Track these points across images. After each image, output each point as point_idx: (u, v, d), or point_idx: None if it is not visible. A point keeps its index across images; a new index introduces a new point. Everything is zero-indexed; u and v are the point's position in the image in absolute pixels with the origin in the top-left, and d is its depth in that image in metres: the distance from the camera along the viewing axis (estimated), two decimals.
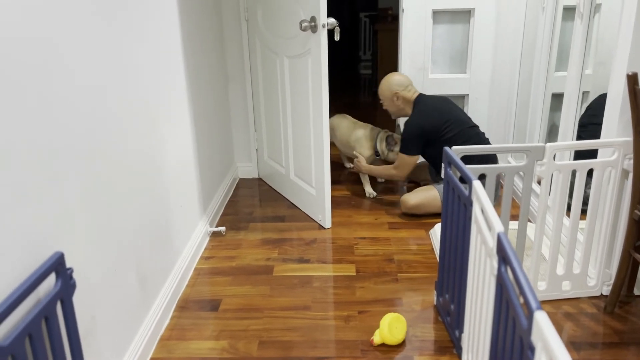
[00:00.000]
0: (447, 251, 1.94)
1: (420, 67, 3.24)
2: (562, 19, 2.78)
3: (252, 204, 3.16)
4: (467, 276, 1.65)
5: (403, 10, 3.13)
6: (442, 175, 1.92)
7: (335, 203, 3.13)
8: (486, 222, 1.44)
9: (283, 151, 3.13)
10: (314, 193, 2.87)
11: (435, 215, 2.91)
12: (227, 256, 2.56)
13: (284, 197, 3.23)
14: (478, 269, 1.52)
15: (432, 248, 2.58)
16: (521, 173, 2.97)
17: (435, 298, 2.13)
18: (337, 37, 2.55)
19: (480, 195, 1.50)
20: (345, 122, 3.39)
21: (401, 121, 3.39)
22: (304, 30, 2.52)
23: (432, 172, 3.19)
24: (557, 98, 2.82)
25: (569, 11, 2.71)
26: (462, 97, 3.34)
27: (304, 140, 2.85)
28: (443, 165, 1.92)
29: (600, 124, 2.03)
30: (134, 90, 1.83)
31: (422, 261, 2.47)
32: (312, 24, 2.49)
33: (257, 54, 3.18)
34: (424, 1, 3.11)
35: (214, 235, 2.77)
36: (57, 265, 1.24)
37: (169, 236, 2.19)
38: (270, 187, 3.40)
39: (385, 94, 2.97)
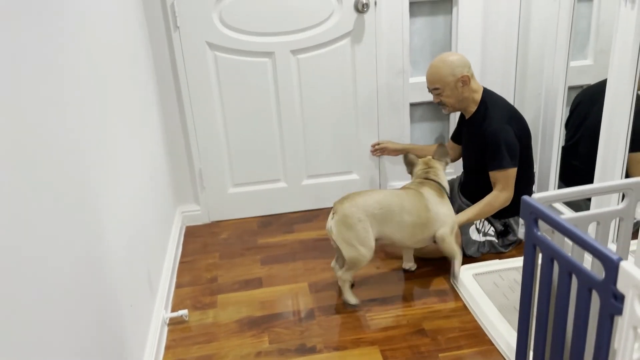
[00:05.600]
0: (538, 340, 1.38)
1: (399, 70, 2.67)
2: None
3: (213, 264, 2.45)
4: None
5: (376, 2, 2.53)
6: (522, 236, 1.37)
7: (310, 249, 2.50)
8: None
9: (287, 163, 2.80)
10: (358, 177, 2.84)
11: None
12: (200, 356, 1.85)
13: (254, 249, 2.54)
14: None
15: (465, 304, 2.03)
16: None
17: None
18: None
19: None
20: (414, 198, 2.07)
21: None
22: (360, 11, 2.52)
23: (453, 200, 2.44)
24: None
25: None
26: None
27: (340, 130, 2.77)
28: (522, 220, 1.36)
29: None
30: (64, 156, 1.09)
31: (461, 327, 1.91)
32: (364, 2, 2.49)
33: (209, 68, 2.55)
34: None
35: (173, 322, 2.04)
36: None
37: (122, 356, 1.46)
38: (235, 229, 2.70)
39: (446, 80, 2.20)
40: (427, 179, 2.16)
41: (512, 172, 2.18)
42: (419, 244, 2.13)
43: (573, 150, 2.40)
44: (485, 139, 2.20)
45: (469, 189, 2.41)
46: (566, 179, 2.43)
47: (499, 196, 2.20)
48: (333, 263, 2.16)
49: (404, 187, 2.18)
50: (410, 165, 2.28)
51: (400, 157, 2.40)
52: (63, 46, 1.28)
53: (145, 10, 2.40)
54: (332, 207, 2.03)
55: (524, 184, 2.28)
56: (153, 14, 2.42)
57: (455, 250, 2.11)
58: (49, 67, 1.17)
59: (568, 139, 2.46)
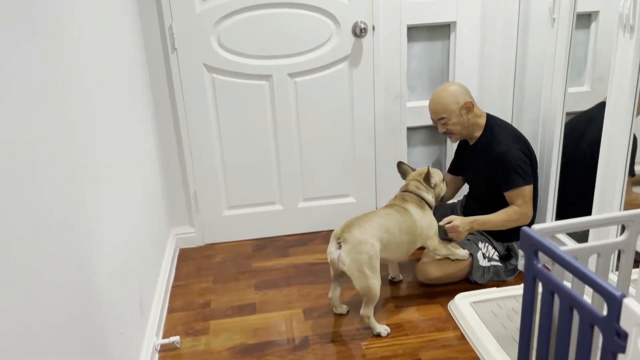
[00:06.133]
0: None
1: (396, 95, 2.67)
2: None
3: (206, 288, 2.40)
4: None
5: (374, 27, 2.54)
6: (522, 267, 1.35)
7: (305, 274, 2.46)
8: None
9: (283, 186, 2.77)
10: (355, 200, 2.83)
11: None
12: None
13: (248, 272, 2.50)
14: None
15: (462, 334, 1.99)
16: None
17: None
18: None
19: None
20: (406, 217, 2.12)
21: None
22: (358, 36, 2.53)
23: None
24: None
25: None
26: None
27: (337, 153, 2.76)
28: (522, 252, 1.34)
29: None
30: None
31: (458, 357, 1.87)
32: (362, 26, 2.51)
33: (207, 91, 2.55)
34: (398, 16, 2.54)
35: (165, 349, 2.00)
36: None
37: None
38: (230, 252, 2.66)
39: (450, 108, 2.22)
40: (407, 191, 2.23)
41: (528, 189, 2.19)
42: (407, 256, 2.21)
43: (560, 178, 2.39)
44: (494, 161, 2.21)
45: (472, 213, 2.35)
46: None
47: (515, 209, 2.19)
48: (330, 293, 2.12)
49: (391, 206, 2.18)
50: (404, 174, 2.36)
51: (398, 175, 2.39)
52: (57, 66, 1.27)
53: (143, 31, 2.40)
54: (331, 234, 2.01)
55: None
56: (151, 35, 2.42)
57: (449, 252, 2.22)
58: (42, 89, 1.15)
59: None
